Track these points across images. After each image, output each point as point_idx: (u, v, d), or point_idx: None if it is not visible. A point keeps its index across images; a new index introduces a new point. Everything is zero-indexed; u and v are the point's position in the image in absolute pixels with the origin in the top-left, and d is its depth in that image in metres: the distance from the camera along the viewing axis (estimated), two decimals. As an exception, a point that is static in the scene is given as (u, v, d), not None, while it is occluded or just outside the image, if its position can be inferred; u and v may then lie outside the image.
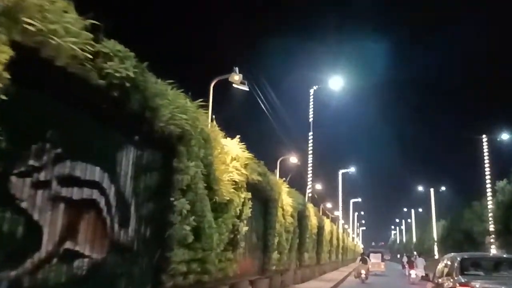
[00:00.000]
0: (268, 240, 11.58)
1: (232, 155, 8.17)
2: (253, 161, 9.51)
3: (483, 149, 31.36)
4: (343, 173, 43.81)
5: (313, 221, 19.62)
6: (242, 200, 8.57)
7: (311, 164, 22.33)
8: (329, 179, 41.58)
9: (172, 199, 5.73)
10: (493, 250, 27.79)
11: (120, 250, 4.95)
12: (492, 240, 28.65)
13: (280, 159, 19.42)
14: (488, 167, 30.56)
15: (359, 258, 25.89)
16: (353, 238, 74.68)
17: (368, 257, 27.84)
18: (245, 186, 8.70)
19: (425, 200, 61.12)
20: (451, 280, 7.78)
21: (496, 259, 9.50)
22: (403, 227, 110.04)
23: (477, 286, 6.88)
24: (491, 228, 28.97)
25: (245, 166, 8.74)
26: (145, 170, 5.56)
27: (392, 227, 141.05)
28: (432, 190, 56.64)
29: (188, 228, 5.90)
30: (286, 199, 13.29)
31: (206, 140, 6.67)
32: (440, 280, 8.63)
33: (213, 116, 7.79)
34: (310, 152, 22.15)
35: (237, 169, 8.07)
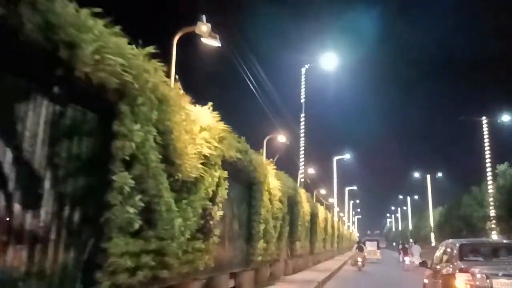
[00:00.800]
0: (253, 228, 10.25)
1: (201, 125, 6.75)
2: (231, 135, 8.12)
3: (483, 131, 30.17)
4: (337, 160, 42.70)
5: (305, 207, 18.33)
6: (216, 179, 7.19)
7: (303, 147, 20.95)
8: (322, 165, 40.34)
9: (110, 172, 4.35)
10: (494, 236, 26.77)
11: (25, 241, 3.57)
12: (493, 226, 27.62)
13: (267, 137, 17.89)
14: (488, 150, 29.40)
15: (355, 246, 25.76)
16: (348, 226, 74.02)
17: (364, 245, 28.00)
18: (219, 163, 7.32)
19: (421, 187, 60.36)
20: (451, 266, 7.79)
21: (495, 245, 9.68)
22: (398, 215, 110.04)
23: (477, 271, 6.90)
24: (492, 213, 27.91)
25: (220, 140, 7.33)
26: (70, 133, 4.16)
27: (388, 215, 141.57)
28: (428, 176, 55.84)
29: (132, 210, 4.51)
30: (273, 182, 11.93)
31: (162, 101, 5.24)
32: (438, 266, 8.62)
33: (177, 76, 6.38)
34: (302, 134, 20.76)
35: (207, 141, 6.66)
